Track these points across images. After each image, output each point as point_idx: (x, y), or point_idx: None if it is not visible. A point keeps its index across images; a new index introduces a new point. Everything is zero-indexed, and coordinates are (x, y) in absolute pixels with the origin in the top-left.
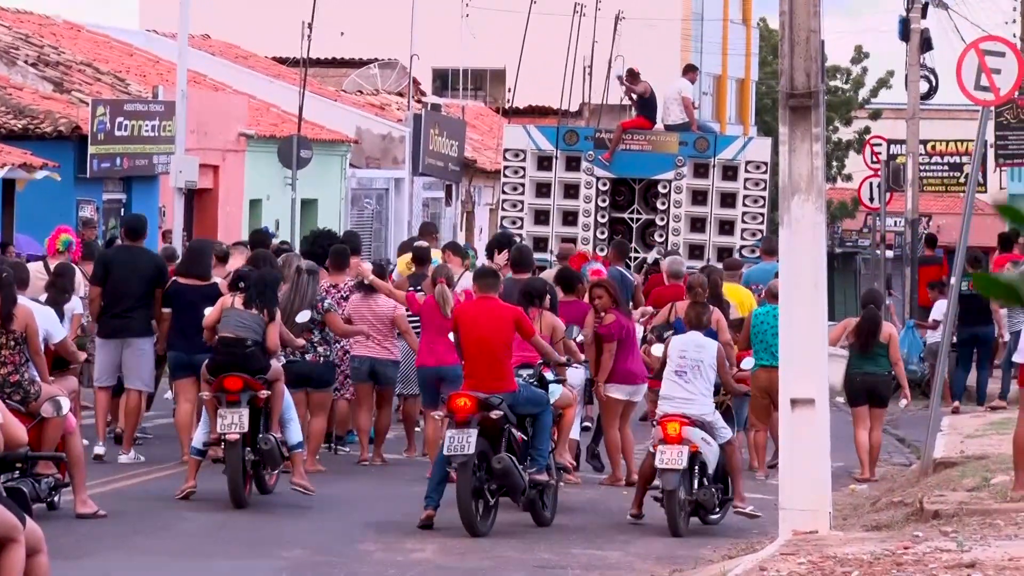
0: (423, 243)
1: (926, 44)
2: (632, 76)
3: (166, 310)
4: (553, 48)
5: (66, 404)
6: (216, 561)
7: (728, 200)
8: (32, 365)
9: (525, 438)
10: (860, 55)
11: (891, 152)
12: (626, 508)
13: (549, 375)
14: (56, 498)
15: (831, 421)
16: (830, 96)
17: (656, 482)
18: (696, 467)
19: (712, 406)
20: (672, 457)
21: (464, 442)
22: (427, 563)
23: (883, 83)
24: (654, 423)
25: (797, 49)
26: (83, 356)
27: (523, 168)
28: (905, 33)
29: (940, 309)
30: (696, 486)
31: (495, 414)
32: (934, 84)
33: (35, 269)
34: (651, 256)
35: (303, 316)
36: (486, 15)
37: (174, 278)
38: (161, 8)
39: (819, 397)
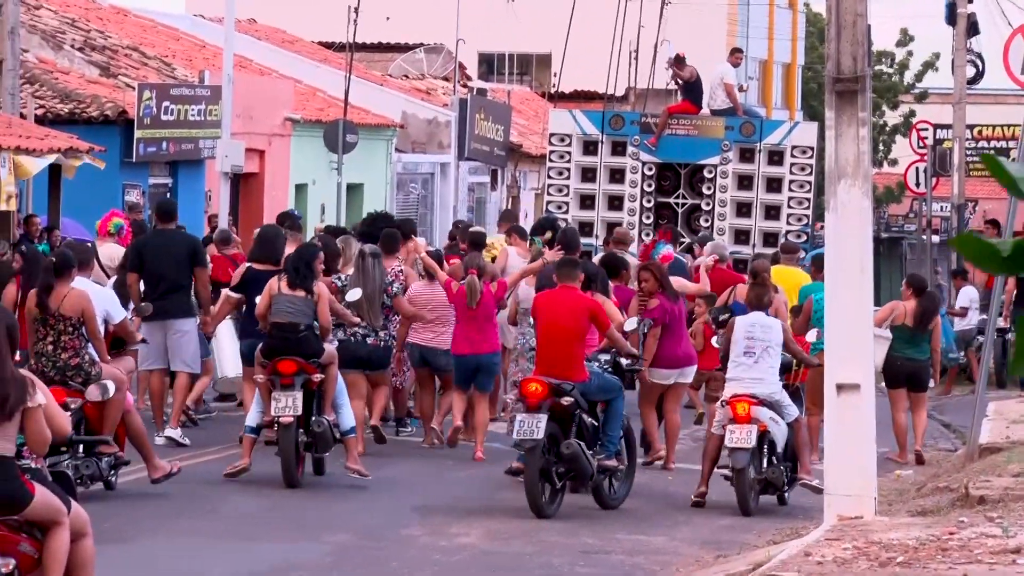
0: (479, 228)
1: (973, 28)
2: (678, 61)
3: (236, 295)
4: (599, 32)
5: (112, 387)
6: (261, 544)
7: (774, 185)
8: (92, 347)
9: (596, 424)
10: (906, 38)
11: (937, 137)
12: (671, 492)
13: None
14: (114, 478)
15: (877, 406)
16: (876, 81)
17: (724, 461)
18: (765, 446)
19: (779, 385)
20: (742, 436)
21: (534, 427)
22: (472, 548)
23: (929, 65)
24: (723, 403)
25: (844, 33)
26: (140, 337)
27: (569, 153)
28: (952, 17)
29: (967, 296)
30: (765, 465)
31: (566, 400)
32: (981, 69)
33: None
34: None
35: (354, 294)
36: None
37: (248, 264)
38: None
39: (864, 382)
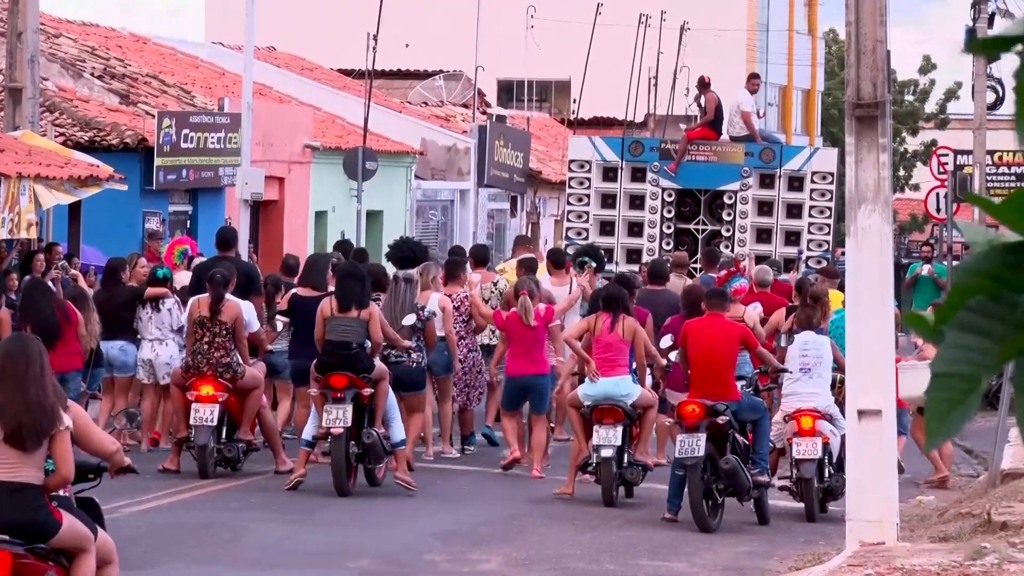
0: (531, 255)
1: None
2: (702, 85)
3: (285, 319)
4: (618, 59)
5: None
6: (282, 571)
7: (794, 211)
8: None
9: (746, 442)
10: (928, 65)
11: (958, 163)
12: (691, 518)
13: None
14: (241, 465)
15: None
16: (896, 107)
17: (783, 472)
18: (825, 457)
19: (832, 399)
20: (808, 448)
21: (694, 445)
22: (493, 574)
23: (951, 94)
24: (786, 418)
25: (863, 59)
26: (268, 347)
27: (588, 179)
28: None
29: None
30: (827, 474)
31: (721, 419)
32: (1001, 94)
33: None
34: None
35: (409, 319)
36: (551, 26)
37: (294, 291)
38: (226, 21)
39: (886, 408)
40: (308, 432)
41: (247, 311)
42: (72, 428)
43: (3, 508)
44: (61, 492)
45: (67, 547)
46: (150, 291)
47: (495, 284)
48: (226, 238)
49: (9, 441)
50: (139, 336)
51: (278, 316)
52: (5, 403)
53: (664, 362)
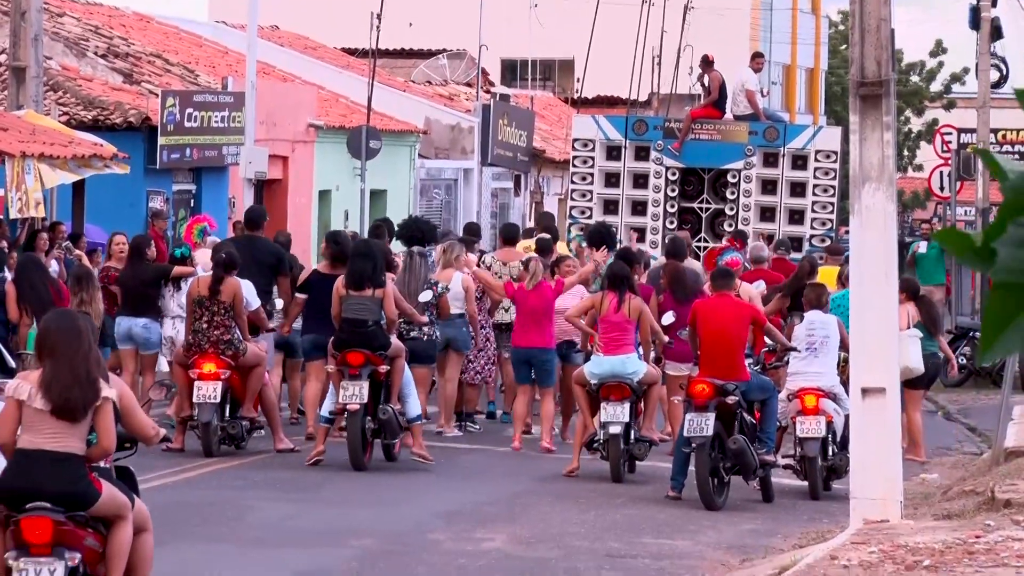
0: (546, 235)
1: (997, 32)
2: (706, 64)
3: (303, 296)
4: (622, 38)
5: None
6: (287, 550)
7: (798, 189)
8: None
9: (754, 421)
10: (939, 49)
11: (961, 141)
12: (696, 496)
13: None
14: (245, 443)
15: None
16: (900, 85)
17: (787, 450)
18: (829, 435)
19: (837, 378)
20: (812, 427)
21: (703, 424)
22: (496, 552)
23: (957, 79)
24: (789, 397)
25: (868, 37)
26: (272, 324)
27: (592, 158)
28: (975, 21)
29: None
30: (831, 453)
31: (731, 399)
32: (1005, 73)
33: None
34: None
35: (425, 295)
36: (555, 5)
37: (315, 267)
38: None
39: (890, 386)
40: (326, 408)
41: (246, 289)
42: (118, 406)
43: (46, 477)
44: (101, 463)
45: (106, 515)
46: (177, 270)
47: (523, 262)
48: (253, 217)
49: (56, 414)
50: (162, 314)
51: (297, 293)
52: (53, 378)
53: (667, 339)
